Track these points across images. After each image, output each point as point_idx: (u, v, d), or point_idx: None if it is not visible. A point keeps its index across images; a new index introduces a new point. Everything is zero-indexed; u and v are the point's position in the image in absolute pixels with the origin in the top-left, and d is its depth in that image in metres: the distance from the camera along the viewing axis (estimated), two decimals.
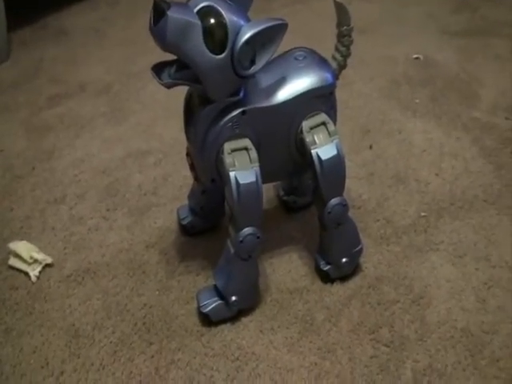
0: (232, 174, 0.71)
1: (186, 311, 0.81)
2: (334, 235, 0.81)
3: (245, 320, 0.80)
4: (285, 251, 0.89)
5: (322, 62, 0.78)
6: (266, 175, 0.75)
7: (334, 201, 0.78)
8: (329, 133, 0.76)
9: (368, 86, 1.22)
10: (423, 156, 1.05)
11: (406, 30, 1.41)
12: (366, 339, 0.77)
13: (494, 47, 1.32)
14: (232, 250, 0.76)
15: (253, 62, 0.69)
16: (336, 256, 0.82)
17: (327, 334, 0.78)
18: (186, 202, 0.92)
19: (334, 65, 0.78)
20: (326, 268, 0.83)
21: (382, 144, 1.08)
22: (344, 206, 0.79)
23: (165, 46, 0.65)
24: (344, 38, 0.77)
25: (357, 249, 0.83)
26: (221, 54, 0.67)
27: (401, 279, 0.84)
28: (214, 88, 0.70)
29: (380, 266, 0.86)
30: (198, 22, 0.65)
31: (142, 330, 0.79)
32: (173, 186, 1.01)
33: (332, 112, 0.78)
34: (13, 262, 0.88)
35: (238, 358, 0.76)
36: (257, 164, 0.73)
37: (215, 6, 0.67)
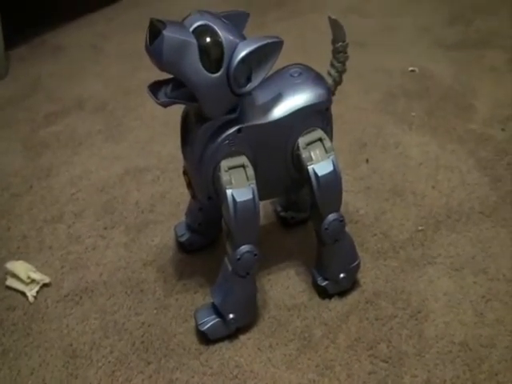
0: (229, 192, 0.72)
1: (184, 329, 0.81)
2: (331, 251, 0.82)
3: (243, 338, 0.80)
4: (282, 267, 0.89)
5: (317, 79, 0.78)
6: (263, 192, 0.75)
7: (331, 216, 0.78)
8: (325, 149, 0.76)
9: (364, 99, 1.22)
10: (420, 169, 1.05)
11: (400, 43, 1.41)
12: (364, 355, 0.77)
13: (489, 59, 1.32)
14: (229, 268, 0.76)
15: (249, 80, 0.70)
16: (334, 272, 0.82)
17: (325, 350, 0.78)
18: (183, 218, 0.92)
19: (329, 81, 0.79)
20: (324, 284, 0.83)
21: (379, 158, 1.08)
22: (341, 221, 0.79)
23: (161, 65, 0.66)
24: (339, 54, 0.78)
25: (354, 264, 0.83)
26: (217, 72, 0.67)
27: (398, 294, 0.84)
28: (211, 106, 0.70)
29: (377, 280, 0.86)
30: (194, 41, 0.66)
31: (140, 349, 0.79)
32: (170, 202, 1.01)
33: (328, 128, 0.79)
34: (10, 282, 0.88)
35: (236, 377, 0.76)
36: (253, 181, 0.73)
37: (211, 24, 0.67)
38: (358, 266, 0.84)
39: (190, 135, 0.74)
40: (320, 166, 0.76)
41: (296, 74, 0.77)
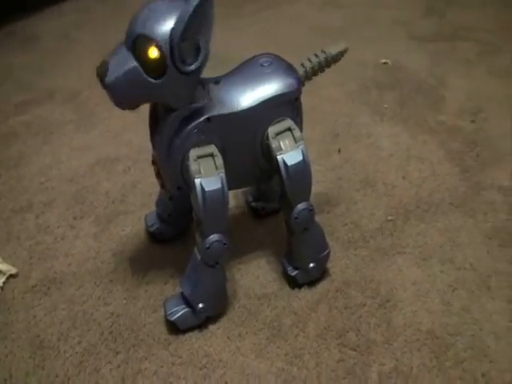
0: (197, 181, 0.71)
1: (154, 319, 0.81)
2: (301, 240, 0.82)
3: (212, 327, 0.80)
4: (253, 257, 0.89)
5: (287, 68, 0.78)
6: (232, 181, 0.74)
7: (300, 206, 0.78)
8: (294, 139, 0.76)
9: (337, 90, 1.22)
10: (391, 160, 1.06)
11: (374, 35, 1.42)
12: (333, 344, 0.77)
13: (461, 51, 1.33)
14: (199, 257, 0.76)
15: (198, 50, 0.67)
16: (303, 261, 0.83)
17: (295, 339, 0.78)
18: (154, 208, 0.92)
19: (300, 71, 0.78)
20: (294, 273, 0.84)
21: (351, 148, 1.08)
22: (310, 210, 0.79)
23: (121, 105, 0.69)
24: (322, 54, 0.79)
25: (324, 253, 0.84)
26: (164, 73, 0.66)
27: (368, 283, 0.85)
28: (174, 99, 0.70)
29: (347, 270, 0.87)
30: (134, 64, 0.65)
31: (108, 340, 0.79)
32: (141, 193, 1.01)
33: (298, 118, 0.79)
34: None
35: (205, 366, 0.76)
36: (222, 170, 0.72)
37: (145, 32, 0.65)
38: (328, 255, 0.84)
39: (158, 125, 0.74)
40: (289, 155, 0.76)
41: (266, 64, 0.77)
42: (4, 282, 0.86)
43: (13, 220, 0.97)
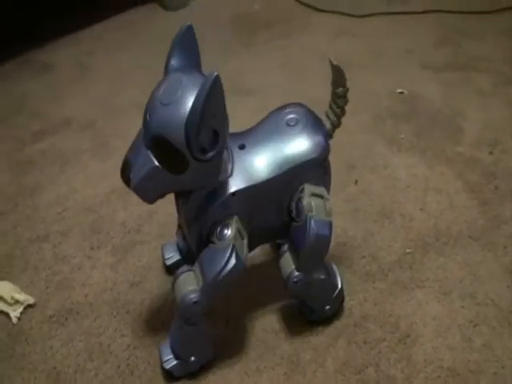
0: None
1: None
2: (307, 295, 0.80)
3: (230, 362, 0.79)
4: (270, 290, 0.88)
5: (315, 126, 0.74)
6: (258, 239, 0.75)
7: (299, 274, 0.75)
8: (325, 210, 0.73)
9: (352, 121, 1.20)
10: (408, 191, 1.05)
11: (388, 65, 1.42)
12: (353, 379, 0.76)
13: (477, 82, 1.33)
14: (177, 316, 0.74)
15: (216, 134, 0.64)
16: (318, 306, 0.81)
17: (313, 374, 0.77)
18: (170, 239, 0.91)
19: (327, 125, 0.75)
20: (312, 317, 0.82)
21: (367, 179, 1.08)
22: (308, 283, 0.76)
23: (150, 201, 0.68)
24: (339, 99, 0.74)
25: (336, 292, 0.81)
26: (187, 168, 0.64)
27: (387, 317, 0.84)
28: (200, 184, 0.68)
29: (366, 303, 0.86)
30: (155, 164, 0.64)
31: (125, 373, 0.78)
32: (157, 223, 1.00)
33: (326, 177, 0.77)
34: None
35: None
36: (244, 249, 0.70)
37: (161, 133, 0.63)
38: (342, 290, 0.82)
39: (182, 197, 0.72)
40: (318, 223, 0.72)
41: (293, 123, 0.74)
42: (21, 312, 0.85)
43: (30, 249, 0.97)
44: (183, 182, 0.66)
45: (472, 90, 1.31)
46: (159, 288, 0.89)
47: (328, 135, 0.75)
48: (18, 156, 1.19)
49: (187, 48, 0.67)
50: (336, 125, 0.76)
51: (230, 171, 0.70)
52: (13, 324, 0.85)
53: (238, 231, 0.70)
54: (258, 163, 0.72)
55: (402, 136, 1.18)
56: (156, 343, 0.81)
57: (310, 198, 0.73)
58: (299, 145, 0.73)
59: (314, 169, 0.74)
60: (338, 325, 0.83)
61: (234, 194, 0.70)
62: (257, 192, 0.71)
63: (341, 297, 0.83)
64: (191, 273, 0.72)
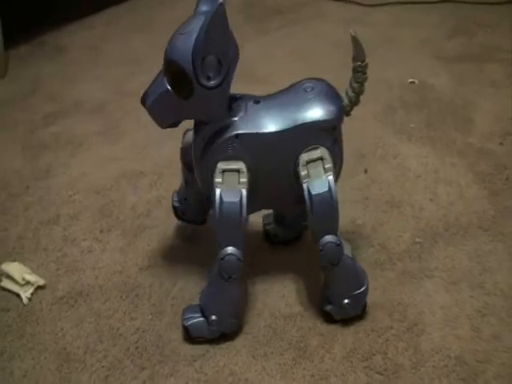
0: (218, 191, 0.73)
1: (179, 336, 0.81)
2: (331, 275, 0.79)
3: (237, 345, 0.80)
4: (279, 276, 0.89)
5: (330, 95, 0.76)
6: (265, 201, 0.77)
7: (326, 238, 0.76)
8: (324, 169, 0.75)
9: (363, 110, 1.20)
10: (418, 181, 1.05)
11: (400, 54, 1.42)
12: (360, 366, 0.77)
13: (489, 73, 1.32)
14: (215, 269, 0.76)
15: (220, 64, 0.69)
16: (336, 296, 0.80)
17: (321, 360, 0.78)
18: (179, 222, 0.93)
19: (345, 100, 0.76)
20: (328, 308, 0.81)
21: (377, 168, 1.08)
22: (338, 245, 0.76)
23: (161, 125, 0.74)
24: (358, 74, 0.75)
25: (360, 290, 0.80)
26: (193, 93, 0.69)
27: (395, 306, 0.84)
28: (206, 115, 0.73)
29: (374, 292, 0.86)
30: (166, 88, 0.70)
31: (134, 355, 0.79)
32: (167, 208, 1.00)
33: (336, 148, 0.77)
34: (5, 283, 0.87)
35: None
36: (244, 186, 0.73)
37: (172, 57, 0.69)
38: (365, 292, 0.81)
39: (194, 132, 0.76)
40: (315, 184, 0.74)
41: (309, 89, 0.76)
42: (32, 293, 0.86)
43: (40, 231, 0.97)
44: (191, 108, 0.71)
45: (485, 80, 1.30)
46: (168, 272, 0.90)
47: (342, 107, 0.76)
48: (30, 139, 1.20)
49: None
50: (354, 102, 0.76)
51: (239, 117, 0.74)
52: (24, 305, 0.85)
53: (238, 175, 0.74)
54: (267, 116, 0.75)
55: (412, 125, 1.17)
56: (165, 327, 0.82)
57: (304, 167, 0.75)
58: (310, 106, 0.75)
59: (323, 134, 0.75)
60: None
61: (237, 136, 0.73)
62: (262, 142, 0.74)
63: (362, 297, 0.81)
64: None
